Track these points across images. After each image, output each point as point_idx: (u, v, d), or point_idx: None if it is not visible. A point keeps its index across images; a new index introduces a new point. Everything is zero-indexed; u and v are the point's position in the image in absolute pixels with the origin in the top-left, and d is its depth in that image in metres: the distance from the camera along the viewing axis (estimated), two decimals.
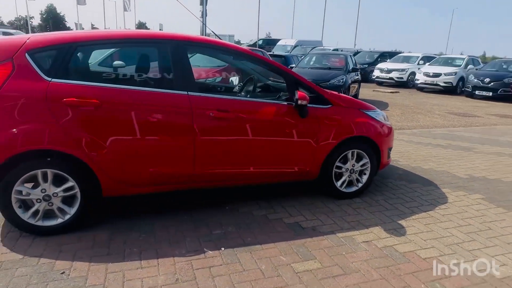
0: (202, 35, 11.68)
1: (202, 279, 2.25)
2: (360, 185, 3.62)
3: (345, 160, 3.50)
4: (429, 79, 15.39)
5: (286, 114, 3.16)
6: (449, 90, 14.86)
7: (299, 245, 2.70)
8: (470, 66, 15.98)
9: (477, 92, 13.45)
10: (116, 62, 3.40)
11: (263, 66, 3.44)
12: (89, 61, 3.16)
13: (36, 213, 2.64)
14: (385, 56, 20.61)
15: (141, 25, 72.82)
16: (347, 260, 2.53)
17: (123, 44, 3.13)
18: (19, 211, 2.60)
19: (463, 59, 16.33)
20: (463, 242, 2.86)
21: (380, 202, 3.58)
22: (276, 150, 3.22)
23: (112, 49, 3.56)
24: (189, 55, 3.02)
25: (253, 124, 3.06)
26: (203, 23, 12.11)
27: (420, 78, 15.75)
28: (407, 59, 18.57)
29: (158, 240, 2.69)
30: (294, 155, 3.30)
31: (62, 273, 2.25)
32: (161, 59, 3.02)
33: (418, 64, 17.50)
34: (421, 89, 15.99)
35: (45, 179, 2.59)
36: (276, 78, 3.79)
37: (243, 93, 3.73)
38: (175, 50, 2.93)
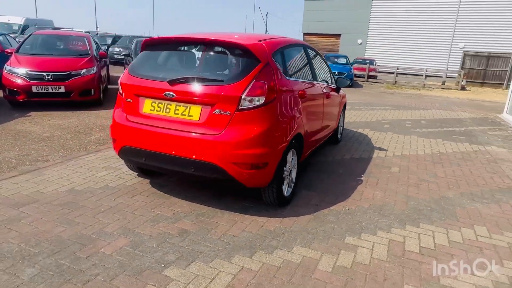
0: None
1: None
2: None
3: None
4: None
5: (335, 91, 5.07)
6: None
7: None
8: None
9: None
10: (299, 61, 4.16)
11: (321, 61, 4.94)
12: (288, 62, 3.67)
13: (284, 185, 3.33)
14: None
15: None
16: None
17: (300, 47, 4.24)
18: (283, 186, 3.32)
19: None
20: None
21: None
22: (334, 113, 5.09)
23: (300, 51, 4.26)
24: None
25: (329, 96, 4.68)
26: None
27: None
28: None
29: None
30: (336, 115, 5.32)
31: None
32: (309, 58, 4.29)
33: None
34: None
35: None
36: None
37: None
38: (307, 51, 4.34)
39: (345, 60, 18.48)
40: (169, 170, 3.29)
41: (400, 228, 3.08)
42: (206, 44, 3.11)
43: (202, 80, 2.93)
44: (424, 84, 19.37)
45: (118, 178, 3.83)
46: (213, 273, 2.33)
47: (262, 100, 2.85)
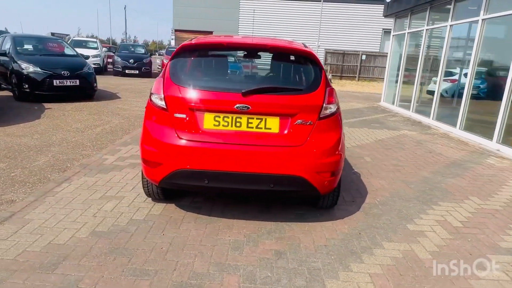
0: None
1: None
2: None
3: None
4: None
5: None
6: (98, 70, 14.92)
7: None
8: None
9: (127, 71, 16.28)
10: None
11: None
12: None
13: None
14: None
15: None
16: None
17: None
18: None
19: (96, 42, 18.48)
20: None
21: None
22: None
23: None
24: None
25: None
26: None
27: None
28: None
29: None
30: None
31: None
32: None
33: None
34: None
35: None
36: None
37: None
38: None
39: (233, 58, 18.99)
40: (238, 190, 2.97)
41: (430, 209, 3.58)
42: (267, 51, 2.91)
43: (280, 90, 2.75)
44: None
45: (136, 208, 3.20)
46: (353, 286, 2.31)
47: (334, 108, 2.88)
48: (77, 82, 8.65)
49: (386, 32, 27.61)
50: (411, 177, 4.55)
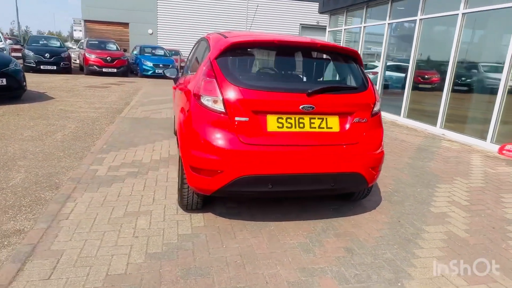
0: None
1: None
2: None
3: None
4: None
5: None
6: None
7: None
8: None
9: (42, 67, 14.22)
10: None
11: None
12: None
13: None
14: None
15: None
16: None
17: None
18: None
19: None
20: None
21: None
22: None
23: None
24: None
25: None
26: None
27: None
28: None
29: None
30: None
31: None
32: None
33: None
34: None
35: None
36: None
37: None
38: None
39: (163, 51, 18.04)
40: (301, 192, 2.90)
41: (435, 191, 3.98)
42: (317, 50, 2.85)
43: (341, 89, 2.74)
44: None
45: (175, 222, 2.91)
46: (432, 270, 2.48)
47: (379, 105, 2.99)
48: (4, 81, 7.32)
49: (304, 27, 29.22)
50: (397, 163, 4.98)
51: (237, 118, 2.55)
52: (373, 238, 2.89)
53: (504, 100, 5.97)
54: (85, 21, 28.71)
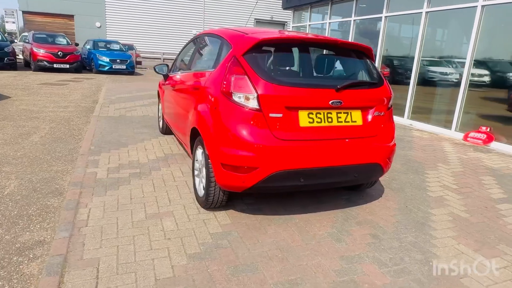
0: None
1: None
2: None
3: None
4: None
5: None
6: None
7: None
8: None
9: None
10: None
11: None
12: None
13: None
14: None
15: None
16: None
17: None
18: None
19: None
20: None
21: None
22: None
23: None
24: None
25: None
26: None
27: None
28: None
29: None
30: None
31: None
32: None
33: None
34: None
35: None
36: None
37: None
38: None
39: (118, 46, 17.13)
40: (326, 184, 3.02)
41: (426, 177, 4.30)
42: (338, 46, 2.94)
43: (365, 84, 2.86)
44: None
45: (201, 221, 2.88)
46: (454, 250, 2.71)
47: (392, 99, 3.16)
48: None
49: (258, 22, 29.42)
50: None
51: (271, 115, 2.57)
52: (391, 223, 3.09)
53: (466, 92, 6.57)
54: (24, 12, 26.36)
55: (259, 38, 2.70)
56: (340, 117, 2.80)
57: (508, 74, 6.29)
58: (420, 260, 2.55)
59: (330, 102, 2.70)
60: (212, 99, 2.81)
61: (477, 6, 6.24)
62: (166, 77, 4.82)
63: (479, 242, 2.85)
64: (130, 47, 20.66)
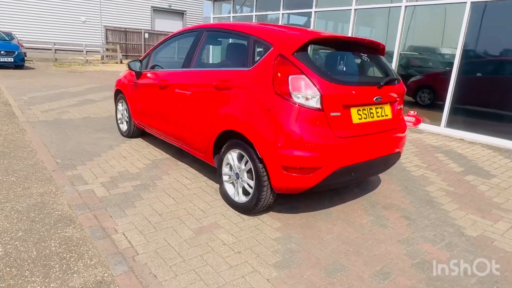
0: None
1: None
2: None
3: None
4: None
5: None
6: None
7: None
8: None
9: None
10: None
11: None
12: None
13: None
14: None
15: None
16: None
17: None
18: None
19: None
20: None
21: None
22: None
23: None
24: None
25: None
26: None
27: None
28: None
29: None
30: None
31: None
32: None
33: None
34: None
35: None
36: None
37: None
38: None
39: (0, 35, 14.16)
40: (367, 175, 3.25)
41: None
42: (366, 45, 3.04)
43: (394, 80, 3.05)
44: (87, 60, 18.96)
45: (249, 227, 2.74)
46: (470, 220, 3.16)
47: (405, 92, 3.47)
48: None
49: (155, 10, 27.84)
50: None
51: (332, 114, 2.59)
52: (408, 204, 3.44)
53: None
54: None
55: (309, 37, 2.66)
56: (378, 112, 2.98)
57: (417, 66, 7.47)
58: (454, 232, 2.95)
59: (374, 99, 2.85)
60: (263, 100, 2.67)
61: (401, 6, 7.17)
62: (139, 74, 4.30)
63: (479, 210, 3.41)
64: (11, 36, 17.40)
